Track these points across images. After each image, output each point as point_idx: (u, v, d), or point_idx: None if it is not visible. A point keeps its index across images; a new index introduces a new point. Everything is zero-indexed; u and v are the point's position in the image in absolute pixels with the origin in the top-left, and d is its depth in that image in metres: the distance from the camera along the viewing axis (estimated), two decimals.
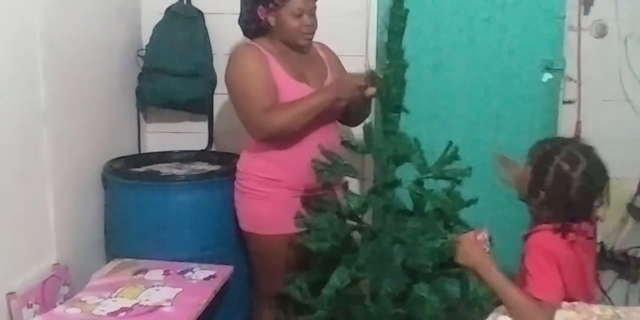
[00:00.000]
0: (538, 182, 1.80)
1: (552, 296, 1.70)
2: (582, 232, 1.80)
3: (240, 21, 2.46)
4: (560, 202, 1.77)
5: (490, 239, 1.86)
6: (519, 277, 1.86)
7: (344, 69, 2.59)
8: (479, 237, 1.81)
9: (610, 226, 3.02)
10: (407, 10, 2.14)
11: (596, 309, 1.75)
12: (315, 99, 2.29)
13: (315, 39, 2.45)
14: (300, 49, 2.43)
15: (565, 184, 1.75)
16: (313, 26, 2.38)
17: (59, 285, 2.26)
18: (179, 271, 2.42)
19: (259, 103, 2.29)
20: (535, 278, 1.73)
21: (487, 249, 1.86)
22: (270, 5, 2.34)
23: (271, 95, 2.31)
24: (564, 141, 1.83)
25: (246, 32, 2.48)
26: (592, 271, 1.88)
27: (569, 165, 1.75)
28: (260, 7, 2.36)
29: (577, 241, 1.80)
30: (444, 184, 2.27)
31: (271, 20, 2.37)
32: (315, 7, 2.39)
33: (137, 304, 2.15)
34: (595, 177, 1.77)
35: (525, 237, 1.87)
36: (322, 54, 2.54)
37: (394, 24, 2.15)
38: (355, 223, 2.27)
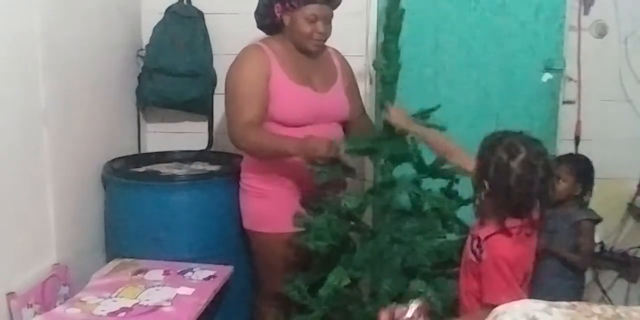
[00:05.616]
0: (483, 173, 1.80)
1: (504, 301, 1.72)
2: (523, 228, 1.80)
3: (256, 13, 2.46)
4: (501, 193, 1.77)
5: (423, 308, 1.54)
6: (469, 273, 1.89)
7: (355, 80, 2.61)
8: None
9: (610, 226, 3.03)
10: (403, 10, 2.14)
11: (596, 308, 1.75)
12: (283, 145, 2.27)
13: None
14: (308, 53, 2.43)
15: (504, 173, 1.75)
16: (326, 34, 2.39)
17: (59, 285, 2.26)
18: (179, 271, 2.42)
19: (245, 113, 2.31)
20: (494, 283, 1.77)
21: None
22: (287, 5, 2.34)
23: (259, 105, 2.32)
24: (508, 134, 1.83)
25: (260, 26, 2.48)
26: (530, 266, 1.89)
27: (507, 154, 1.75)
28: (278, 4, 2.36)
29: (519, 237, 1.80)
30: (442, 183, 2.28)
31: (286, 19, 2.37)
32: (331, 15, 2.38)
33: (137, 304, 2.15)
34: (536, 168, 1.75)
35: (475, 237, 1.87)
36: (335, 60, 2.55)
37: (390, 24, 2.14)
38: (354, 223, 2.27)
